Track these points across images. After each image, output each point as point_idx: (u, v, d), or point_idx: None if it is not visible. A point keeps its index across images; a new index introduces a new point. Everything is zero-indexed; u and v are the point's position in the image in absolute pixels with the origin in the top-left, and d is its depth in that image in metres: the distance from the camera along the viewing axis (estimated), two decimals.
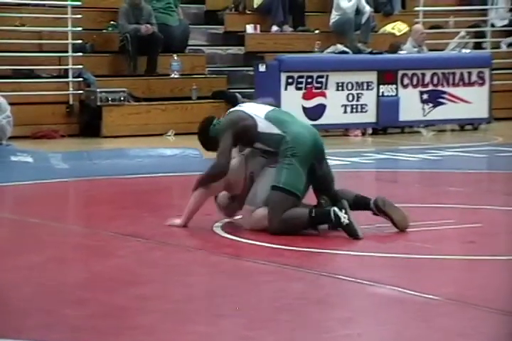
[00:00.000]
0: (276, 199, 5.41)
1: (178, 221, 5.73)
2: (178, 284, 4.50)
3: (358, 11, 12.83)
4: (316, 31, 13.08)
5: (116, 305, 4.12)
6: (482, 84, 11.93)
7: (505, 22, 14.16)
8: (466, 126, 12.16)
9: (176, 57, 11.85)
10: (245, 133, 5.54)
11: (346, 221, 5.29)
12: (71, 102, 11.26)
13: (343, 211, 5.30)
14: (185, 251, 5.20)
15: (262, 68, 11.29)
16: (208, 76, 12.29)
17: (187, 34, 12.41)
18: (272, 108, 5.69)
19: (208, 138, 5.73)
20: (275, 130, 5.52)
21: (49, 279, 4.56)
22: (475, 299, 4.20)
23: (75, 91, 11.28)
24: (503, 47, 13.90)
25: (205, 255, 5.10)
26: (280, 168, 5.44)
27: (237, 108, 5.74)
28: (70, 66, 11.34)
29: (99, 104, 11.13)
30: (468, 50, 12.97)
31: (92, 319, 3.90)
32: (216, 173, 5.59)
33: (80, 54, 11.41)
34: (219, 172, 5.57)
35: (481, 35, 13.81)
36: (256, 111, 5.63)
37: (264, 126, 5.53)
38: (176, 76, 11.85)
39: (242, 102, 5.91)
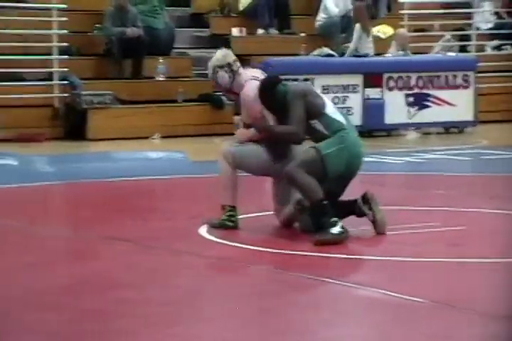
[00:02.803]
0: (309, 154, 5.40)
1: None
2: (161, 287, 4.50)
3: (344, 14, 12.87)
4: (302, 34, 13.09)
5: (97, 309, 4.10)
6: (467, 87, 11.97)
7: (490, 25, 14.20)
8: (451, 129, 12.19)
9: (161, 60, 11.84)
10: (311, 108, 5.47)
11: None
12: (56, 105, 11.23)
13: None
14: (169, 254, 5.20)
15: None
16: (194, 79, 12.28)
17: (172, 37, 12.40)
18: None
19: (271, 96, 5.52)
20: (340, 118, 5.52)
21: (30, 283, 4.55)
22: (460, 302, 4.22)
23: (60, 94, 11.25)
24: (488, 51, 13.95)
25: (189, 258, 5.09)
26: (331, 142, 5.41)
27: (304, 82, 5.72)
28: (55, 69, 11.32)
29: (84, 106, 11.10)
30: (453, 53, 13.01)
31: (73, 323, 3.88)
32: (293, 140, 5.50)
33: (66, 57, 11.38)
34: (296, 140, 5.49)
35: (466, 38, 13.86)
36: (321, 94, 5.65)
37: (330, 110, 5.52)
38: (161, 79, 11.84)
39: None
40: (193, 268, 4.88)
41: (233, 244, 5.37)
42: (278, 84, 5.56)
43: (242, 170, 5.72)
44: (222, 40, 12.93)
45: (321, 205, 5.35)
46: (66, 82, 11.28)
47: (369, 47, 12.33)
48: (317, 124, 5.49)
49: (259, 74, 5.85)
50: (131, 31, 11.62)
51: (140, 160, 9.13)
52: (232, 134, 11.36)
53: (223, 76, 5.70)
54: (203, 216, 5.95)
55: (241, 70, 5.79)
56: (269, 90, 5.56)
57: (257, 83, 5.64)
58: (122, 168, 8.74)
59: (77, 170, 8.51)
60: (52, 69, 11.32)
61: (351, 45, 12.24)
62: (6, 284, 4.52)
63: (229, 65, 5.71)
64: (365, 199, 5.57)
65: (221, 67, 5.72)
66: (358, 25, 12.31)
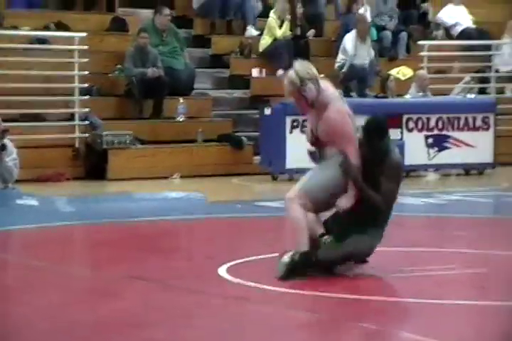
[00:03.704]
0: None
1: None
2: (183, 327, 4.47)
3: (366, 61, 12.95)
4: (321, 75, 13.12)
5: None
6: (487, 129, 11.96)
7: (510, 67, 14.23)
8: (471, 170, 12.15)
9: (181, 101, 11.92)
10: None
11: None
12: (77, 145, 11.30)
13: None
14: (189, 293, 5.18)
15: (267, 111, 11.34)
16: (214, 119, 12.35)
17: (193, 77, 12.50)
18: None
19: (374, 144, 5.39)
20: None
21: (55, 322, 4.54)
22: None
23: (81, 135, 11.33)
24: (508, 93, 13.95)
25: (209, 298, 5.07)
26: None
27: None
28: (76, 109, 11.42)
29: (104, 147, 11.17)
30: (473, 95, 13.03)
31: None
32: (374, 208, 5.43)
33: (87, 97, 11.49)
34: (377, 211, 5.45)
35: (486, 80, 13.89)
36: None
37: None
38: (181, 119, 11.91)
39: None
40: (214, 309, 4.85)
41: (252, 284, 5.34)
42: (384, 136, 5.41)
43: (318, 205, 5.41)
44: (242, 81, 13.04)
45: None
46: (87, 122, 11.37)
47: (364, 56, 12.57)
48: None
49: (332, 87, 5.64)
50: (151, 72, 11.73)
51: (160, 201, 9.15)
52: (250, 174, 11.46)
53: (312, 89, 5.44)
54: (221, 256, 5.93)
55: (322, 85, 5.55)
56: (376, 137, 5.40)
57: (342, 106, 5.51)
58: (142, 208, 8.76)
59: (97, 210, 8.52)
60: (74, 110, 11.42)
61: (350, 52, 12.52)
62: (30, 324, 4.51)
63: (317, 78, 5.53)
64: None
65: (310, 79, 5.48)
66: (353, 32, 12.58)
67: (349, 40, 12.81)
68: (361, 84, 12.75)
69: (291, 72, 5.55)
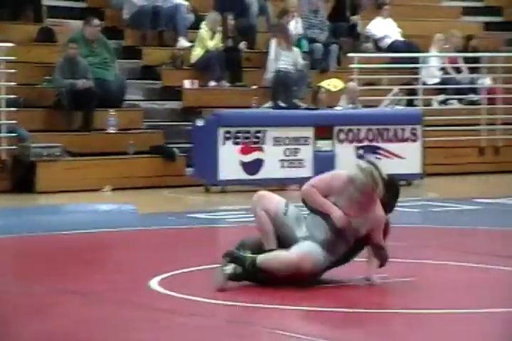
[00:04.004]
0: None
1: None
2: None
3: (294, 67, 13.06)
4: (253, 87, 13.21)
5: None
6: (415, 141, 12.14)
7: (436, 80, 14.49)
8: (400, 181, 12.28)
9: (112, 112, 11.82)
10: None
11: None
12: (3, 158, 11.11)
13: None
14: (123, 307, 5.11)
15: (199, 123, 11.32)
16: (145, 131, 12.28)
17: (123, 89, 12.41)
18: None
19: (391, 201, 5.88)
20: None
21: None
22: None
23: (7, 147, 11.14)
24: (435, 105, 14.19)
25: (143, 311, 5.01)
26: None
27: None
28: (2, 121, 11.23)
29: (32, 159, 11.01)
30: (401, 107, 13.21)
31: None
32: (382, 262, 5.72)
33: (14, 109, 11.31)
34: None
35: (413, 92, 14.10)
36: None
37: None
38: (112, 131, 11.80)
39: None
40: (147, 322, 4.80)
41: (185, 296, 5.30)
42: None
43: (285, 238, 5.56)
44: (173, 92, 13.01)
45: None
46: (14, 134, 11.18)
47: (288, 63, 12.83)
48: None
49: None
50: (81, 83, 11.61)
51: (90, 213, 9.05)
52: (182, 186, 11.41)
53: (381, 191, 5.72)
54: (153, 268, 5.88)
55: None
56: (395, 195, 5.87)
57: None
58: (72, 220, 8.64)
59: (25, 223, 8.38)
60: (0, 122, 11.22)
61: (271, 57, 12.88)
62: None
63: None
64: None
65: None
66: (274, 41, 12.92)
67: (271, 47, 12.97)
68: (287, 93, 12.83)
69: (374, 170, 5.71)
